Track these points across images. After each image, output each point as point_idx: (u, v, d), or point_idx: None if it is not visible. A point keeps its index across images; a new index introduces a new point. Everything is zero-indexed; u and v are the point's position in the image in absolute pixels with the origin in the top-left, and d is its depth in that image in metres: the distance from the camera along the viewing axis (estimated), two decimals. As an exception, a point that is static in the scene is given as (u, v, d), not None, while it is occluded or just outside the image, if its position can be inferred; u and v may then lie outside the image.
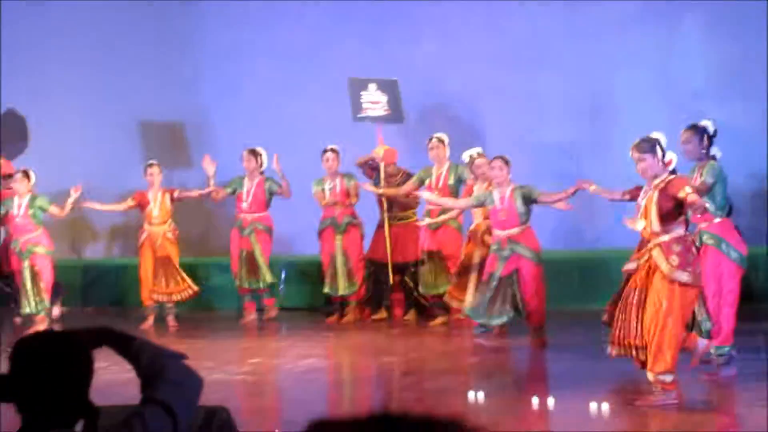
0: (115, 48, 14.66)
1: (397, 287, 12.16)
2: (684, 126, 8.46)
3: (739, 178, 11.66)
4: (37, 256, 11.96)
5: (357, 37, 14.00)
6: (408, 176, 12.03)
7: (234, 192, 12.50)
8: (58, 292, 12.25)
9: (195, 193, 12.46)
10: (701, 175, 8.25)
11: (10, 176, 12.37)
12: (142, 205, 12.33)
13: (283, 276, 13.24)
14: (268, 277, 12.38)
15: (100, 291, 13.83)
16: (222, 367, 9.30)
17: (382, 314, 12.23)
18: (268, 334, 11.85)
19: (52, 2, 14.70)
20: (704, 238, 8.28)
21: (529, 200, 10.10)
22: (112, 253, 14.98)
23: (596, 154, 12.84)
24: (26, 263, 11.91)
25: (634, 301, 7.37)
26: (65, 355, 2.79)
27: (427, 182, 11.66)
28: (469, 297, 10.53)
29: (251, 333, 11.92)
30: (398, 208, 12.23)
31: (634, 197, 7.94)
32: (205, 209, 14.34)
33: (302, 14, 14.32)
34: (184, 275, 12.26)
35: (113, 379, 7.21)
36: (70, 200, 12.02)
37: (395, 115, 12.08)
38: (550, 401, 7.44)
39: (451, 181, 11.55)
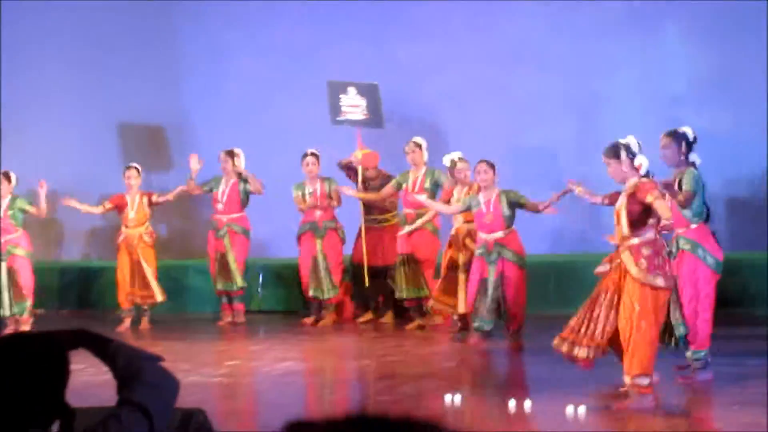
0: (94, 49, 14.61)
1: (374, 290, 12.15)
2: (664, 131, 8.50)
3: (719, 183, 11.72)
4: (17, 258, 11.93)
5: (340, 38, 13.99)
6: (387, 179, 12.03)
7: (210, 190, 12.47)
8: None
9: (171, 195, 12.42)
10: (680, 182, 8.27)
11: None
12: (119, 207, 12.32)
13: (260, 279, 13.23)
14: (239, 281, 12.32)
15: (77, 293, 13.79)
16: (199, 370, 9.28)
17: (369, 317, 12.22)
18: (245, 336, 11.83)
19: (27, 3, 14.63)
20: (681, 243, 8.31)
21: (515, 205, 10.13)
22: (90, 255, 14.93)
23: (579, 157, 12.85)
24: (4, 264, 11.88)
25: (605, 303, 7.42)
26: (42, 356, 2.79)
27: (404, 186, 11.67)
28: (461, 302, 10.54)
29: (228, 335, 11.90)
30: (377, 211, 12.23)
31: (612, 202, 7.97)
32: (183, 211, 14.33)
33: (284, 15, 14.30)
34: (152, 282, 12.19)
35: (90, 380, 7.19)
36: (42, 198, 12.01)
37: (375, 119, 12.06)
38: (527, 404, 7.45)
39: (428, 185, 11.54)
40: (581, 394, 7.68)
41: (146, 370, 2.92)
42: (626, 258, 7.36)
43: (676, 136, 8.37)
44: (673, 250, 8.30)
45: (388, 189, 11.78)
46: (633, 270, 7.30)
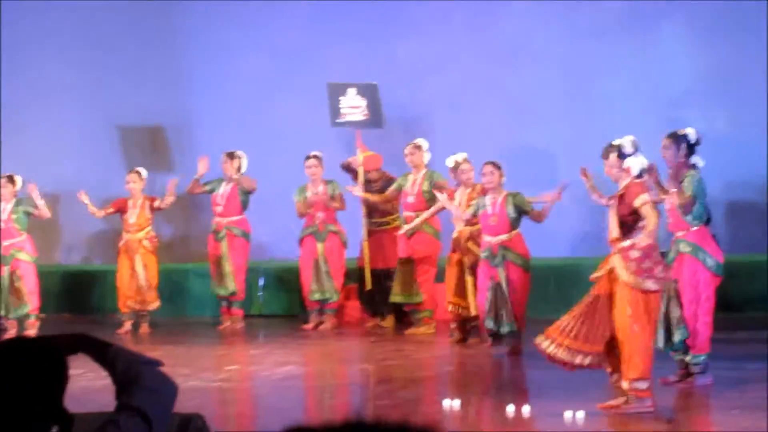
0: (94, 49, 14.59)
1: (377, 293, 12.14)
2: (665, 132, 8.51)
3: (719, 185, 11.71)
4: (21, 262, 11.94)
5: (342, 38, 13.97)
6: (390, 181, 12.02)
7: (211, 191, 12.45)
8: None
9: (171, 198, 12.34)
10: (681, 185, 8.27)
11: None
12: (121, 211, 12.31)
13: (261, 282, 13.22)
14: (231, 286, 12.28)
15: (77, 297, 13.77)
16: (198, 374, 9.27)
17: (375, 321, 12.19)
18: (245, 341, 11.83)
19: (27, 3, 14.62)
20: (681, 246, 8.31)
21: (520, 210, 10.11)
22: (91, 259, 14.92)
23: (578, 157, 12.81)
24: (7, 268, 11.88)
25: (597, 307, 7.40)
26: (40, 361, 2.78)
27: (403, 189, 11.68)
28: (472, 306, 10.53)
29: (228, 340, 11.89)
30: (378, 214, 12.23)
31: None
32: (184, 214, 14.32)
33: (286, 15, 14.27)
34: (144, 288, 12.16)
35: (88, 385, 7.19)
36: (37, 200, 11.99)
37: (374, 119, 12.07)
38: (526, 409, 7.44)
39: (426, 188, 11.53)
40: (580, 398, 7.67)
41: (145, 375, 2.92)
42: (617, 261, 7.37)
43: (677, 138, 8.37)
44: (672, 253, 8.31)
45: (392, 191, 11.78)
46: (622, 274, 7.31)
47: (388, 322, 12.08)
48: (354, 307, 12.60)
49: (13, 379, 2.74)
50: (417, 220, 11.39)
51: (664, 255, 7.57)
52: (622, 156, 7.52)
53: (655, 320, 7.47)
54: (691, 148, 8.37)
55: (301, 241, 12.27)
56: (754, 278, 11.77)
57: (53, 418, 2.79)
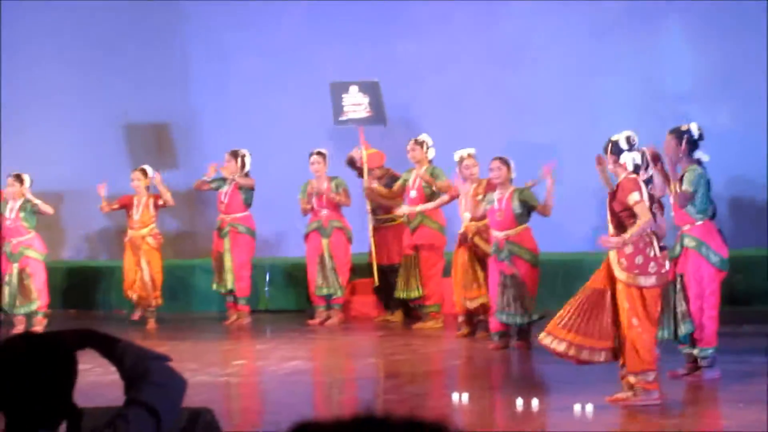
0: (96, 49, 14.60)
1: (384, 289, 12.15)
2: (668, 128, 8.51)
3: (722, 180, 11.70)
4: (30, 260, 11.97)
5: (344, 37, 13.99)
6: (392, 178, 12.04)
7: (217, 188, 12.46)
8: None
9: (167, 192, 12.26)
10: (681, 180, 8.28)
11: None
12: (127, 208, 12.34)
13: (267, 278, 13.24)
14: (230, 283, 12.30)
15: (83, 294, 13.79)
16: (206, 369, 9.29)
17: (389, 315, 12.19)
18: (252, 336, 11.84)
19: (34, 3, 14.64)
20: (685, 241, 8.31)
21: (527, 205, 10.10)
22: (98, 255, 14.94)
23: (579, 155, 12.82)
24: (16, 265, 11.92)
25: (594, 301, 7.41)
26: (49, 356, 2.79)
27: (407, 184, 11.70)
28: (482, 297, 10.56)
29: (235, 335, 11.91)
30: (382, 211, 12.25)
31: None
32: (191, 210, 14.34)
33: (289, 15, 14.29)
34: (148, 285, 12.18)
35: (97, 381, 7.21)
36: (33, 198, 11.98)
37: (377, 116, 12.08)
38: (534, 402, 7.45)
39: (425, 184, 11.53)
40: (589, 391, 7.67)
41: (154, 370, 2.92)
42: (612, 257, 7.40)
43: (677, 134, 8.37)
44: (678, 247, 8.31)
45: (398, 187, 11.79)
46: (616, 270, 7.34)
47: (397, 316, 12.09)
48: (361, 302, 12.61)
49: (23, 374, 2.75)
50: (418, 207, 11.35)
51: (664, 249, 7.54)
52: (617, 151, 7.54)
53: (656, 314, 7.46)
54: (695, 144, 8.36)
55: (306, 236, 12.28)
56: (760, 272, 11.76)
57: (62, 413, 2.79)
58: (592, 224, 12.55)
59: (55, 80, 14.58)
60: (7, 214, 12.01)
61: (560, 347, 7.47)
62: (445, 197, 11.23)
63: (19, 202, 12.02)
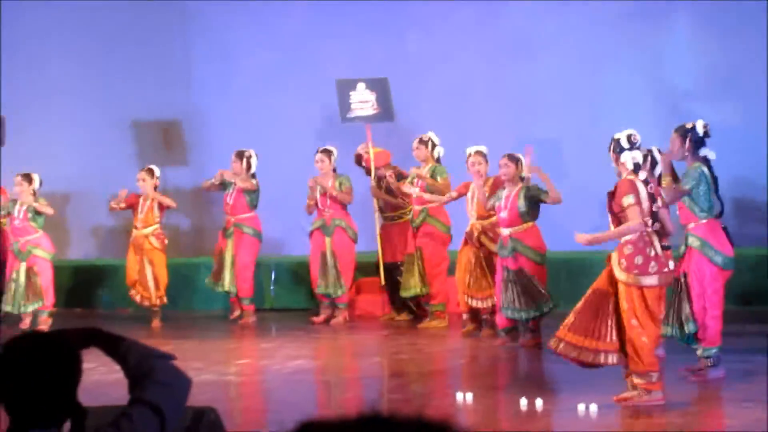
0: (99, 47, 14.60)
1: (389, 287, 12.15)
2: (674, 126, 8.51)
3: (727, 179, 11.68)
4: (37, 259, 11.99)
5: (350, 33, 13.97)
6: (399, 176, 12.03)
7: (225, 188, 12.44)
8: None
9: (162, 197, 12.26)
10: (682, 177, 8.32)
11: None
12: (133, 207, 12.35)
13: (273, 277, 13.24)
14: (227, 283, 12.28)
15: (88, 292, 13.80)
16: (210, 368, 9.29)
17: (395, 314, 12.18)
18: (257, 335, 11.83)
19: (41, 2, 14.65)
20: (690, 239, 8.30)
21: (535, 200, 10.07)
22: (104, 254, 14.94)
23: (585, 150, 12.80)
24: (23, 264, 11.94)
25: (595, 301, 7.42)
26: (54, 355, 2.79)
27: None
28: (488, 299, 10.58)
29: (240, 333, 11.90)
30: (389, 208, 12.26)
31: None
32: (198, 209, 14.34)
33: (296, 11, 14.28)
34: (150, 285, 12.19)
35: (101, 379, 7.22)
36: (32, 202, 11.98)
37: (384, 113, 12.07)
38: (539, 402, 7.44)
39: (430, 182, 11.53)
40: (592, 391, 7.67)
41: (158, 369, 2.93)
42: (614, 258, 7.41)
43: (682, 132, 8.38)
44: (683, 246, 8.31)
45: (407, 185, 11.78)
46: (616, 270, 7.35)
47: (403, 315, 12.09)
48: (366, 301, 12.61)
49: (28, 373, 2.75)
50: (428, 196, 11.31)
51: (668, 248, 7.53)
52: (619, 150, 7.54)
53: (659, 314, 7.46)
54: (700, 141, 8.36)
55: (311, 234, 12.27)
56: (764, 271, 11.74)
57: (67, 412, 2.80)
58: (596, 222, 12.53)
59: (59, 79, 14.58)
60: (15, 213, 12.03)
61: (569, 351, 7.48)
62: (443, 198, 11.19)
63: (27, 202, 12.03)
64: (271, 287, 13.21)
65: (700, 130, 8.34)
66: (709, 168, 8.35)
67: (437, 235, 11.52)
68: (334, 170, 12.12)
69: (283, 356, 10.02)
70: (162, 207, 12.30)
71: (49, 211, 12.11)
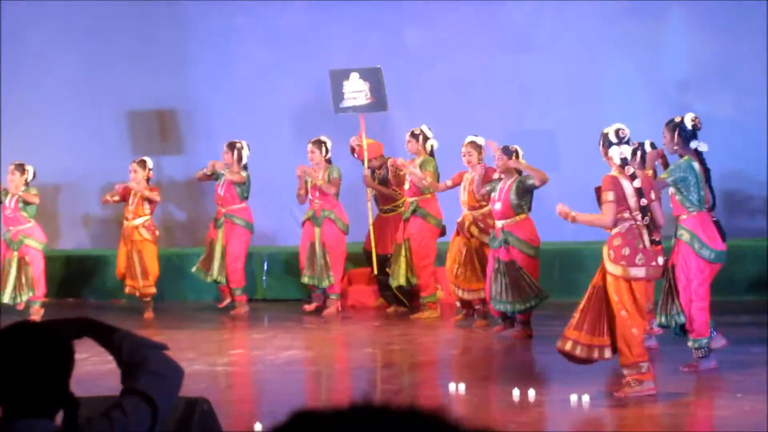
0: (96, 37, 14.57)
1: (382, 278, 12.16)
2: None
3: (721, 171, 11.69)
4: (29, 249, 11.97)
5: (348, 24, 13.96)
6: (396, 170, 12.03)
7: (217, 179, 12.43)
8: None
9: (148, 192, 12.22)
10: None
11: None
12: (125, 199, 12.33)
13: (265, 267, 13.23)
14: (215, 273, 12.27)
15: (81, 282, 13.79)
16: (203, 358, 9.30)
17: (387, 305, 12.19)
18: (249, 325, 11.83)
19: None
20: (679, 231, 8.30)
21: (525, 190, 10.05)
22: (95, 245, 14.93)
23: (581, 143, 12.81)
24: (15, 254, 11.92)
25: (594, 296, 7.46)
26: (46, 345, 2.79)
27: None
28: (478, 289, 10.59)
29: (232, 324, 11.90)
30: (382, 200, 12.27)
31: None
32: (191, 200, 14.33)
33: (294, 2, 14.25)
34: (139, 276, 12.17)
35: (94, 370, 7.22)
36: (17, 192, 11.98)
37: (378, 103, 12.05)
38: (531, 393, 7.46)
39: (417, 178, 11.52)
40: (584, 382, 7.69)
41: (151, 360, 2.93)
42: (604, 251, 7.45)
43: (671, 126, 8.39)
44: (674, 238, 8.32)
45: (412, 167, 11.77)
46: (606, 262, 7.42)
47: (392, 309, 12.08)
48: (358, 292, 12.62)
49: (19, 363, 2.75)
50: (426, 181, 11.27)
51: (658, 243, 7.56)
52: (607, 145, 7.58)
53: (644, 306, 7.53)
54: (690, 134, 8.35)
55: (303, 224, 12.27)
56: (757, 262, 11.77)
57: (59, 402, 2.79)
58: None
59: (53, 69, 14.55)
60: (6, 203, 12.00)
61: (570, 347, 7.52)
62: (439, 186, 11.20)
63: (20, 192, 11.98)
64: (264, 278, 13.20)
65: (688, 124, 8.35)
66: (701, 161, 8.34)
67: (427, 228, 11.51)
68: (329, 161, 12.11)
69: (276, 347, 10.02)
70: (150, 200, 12.26)
71: (36, 200, 12.05)
